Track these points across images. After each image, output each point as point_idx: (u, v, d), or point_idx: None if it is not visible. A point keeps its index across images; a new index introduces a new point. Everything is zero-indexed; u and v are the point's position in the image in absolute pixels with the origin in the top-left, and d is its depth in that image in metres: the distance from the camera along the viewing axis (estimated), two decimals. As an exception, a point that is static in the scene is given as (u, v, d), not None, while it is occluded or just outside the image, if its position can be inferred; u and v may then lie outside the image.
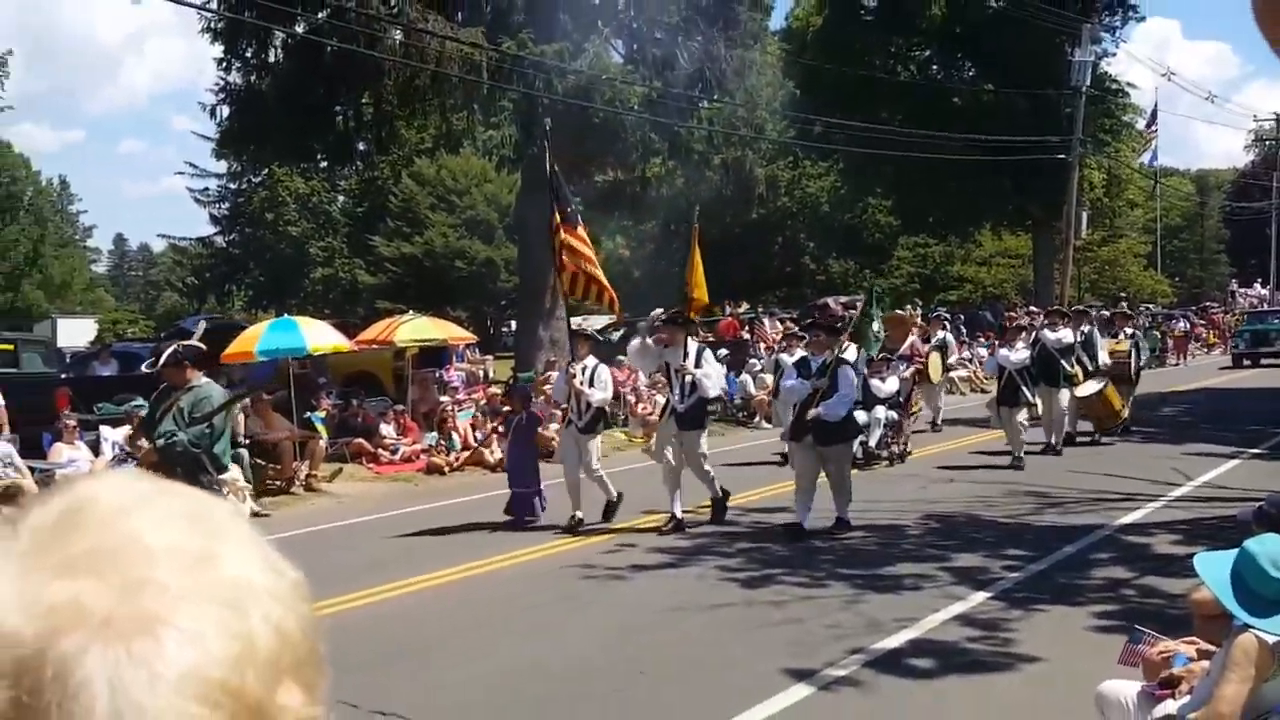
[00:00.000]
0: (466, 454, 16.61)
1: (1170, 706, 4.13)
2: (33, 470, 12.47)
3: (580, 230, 11.96)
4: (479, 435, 17.06)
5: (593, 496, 11.77)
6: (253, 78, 25.04)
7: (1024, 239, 47.42)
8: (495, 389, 19.02)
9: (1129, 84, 41.91)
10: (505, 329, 39.89)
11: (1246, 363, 33.91)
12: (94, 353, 22.50)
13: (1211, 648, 4.20)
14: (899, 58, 39.17)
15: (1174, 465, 14.54)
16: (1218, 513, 11.03)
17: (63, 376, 18.08)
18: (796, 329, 18.32)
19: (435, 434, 17.29)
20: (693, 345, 11.57)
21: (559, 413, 15.66)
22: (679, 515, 11.27)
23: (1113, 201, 48.13)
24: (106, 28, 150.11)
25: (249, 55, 24.82)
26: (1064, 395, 16.18)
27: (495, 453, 16.54)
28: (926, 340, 20.27)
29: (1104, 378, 16.73)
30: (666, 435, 11.54)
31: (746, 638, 7.52)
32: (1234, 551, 3.81)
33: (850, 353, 15.45)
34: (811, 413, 10.64)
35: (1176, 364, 36.69)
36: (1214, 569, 3.82)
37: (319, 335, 16.15)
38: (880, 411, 15.65)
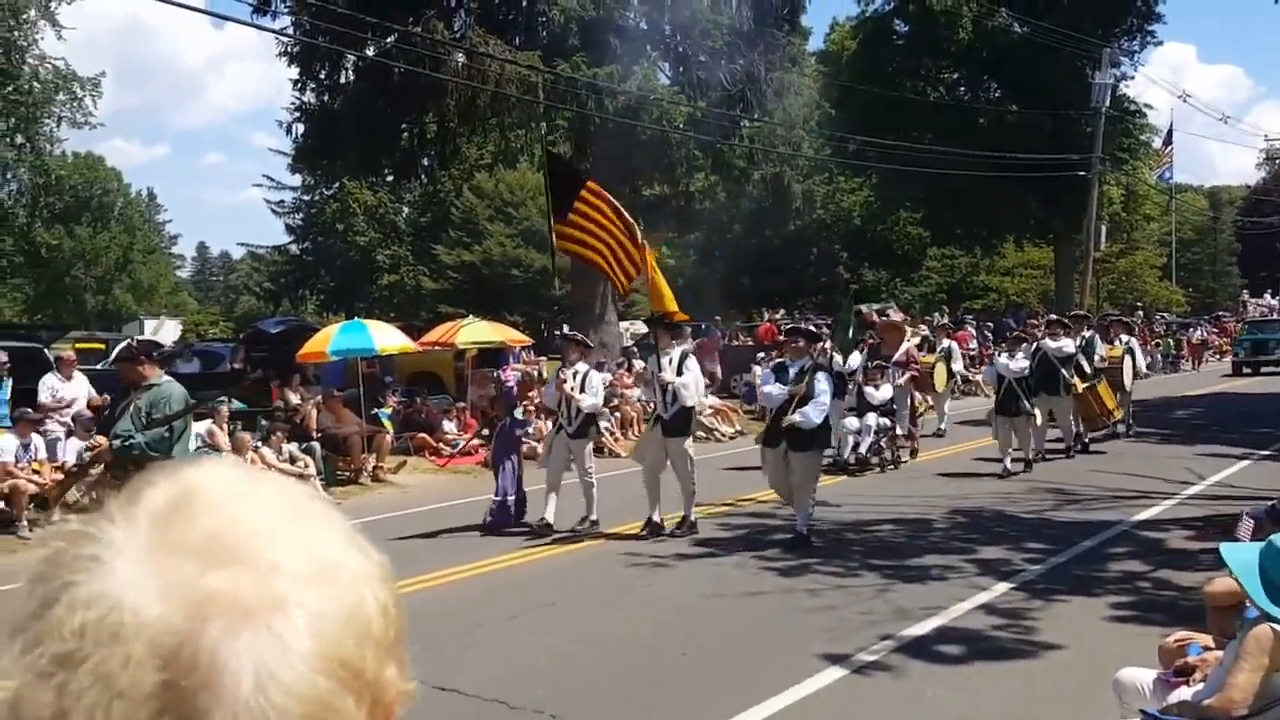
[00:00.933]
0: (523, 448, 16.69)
1: (1185, 693, 4.10)
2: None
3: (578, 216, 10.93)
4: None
5: (574, 502, 11.00)
6: (325, 98, 25.35)
7: (1046, 251, 46.95)
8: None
9: (1146, 105, 41.45)
10: (558, 332, 40.02)
11: (1246, 370, 33.38)
12: (177, 352, 22.82)
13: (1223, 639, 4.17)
14: (929, 80, 38.93)
15: (1187, 465, 14.35)
16: (1229, 510, 10.88)
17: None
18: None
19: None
20: (676, 351, 10.86)
21: (539, 421, 15.42)
22: (656, 519, 10.58)
23: (1130, 216, 47.58)
24: (192, 51, 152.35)
25: (322, 77, 25.14)
26: (1066, 403, 15.49)
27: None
28: (932, 349, 19.26)
29: (1096, 376, 16.15)
30: (651, 441, 10.85)
31: (782, 623, 7.52)
32: (1258, 545, 3.78)
33: (854, 360, 14.87)
34: (787, 419, 9.97)
35: (1192, 369, 36.40)
36: (1239, 558, 3.79)
37: (386, 337, 16.34)
38: (872, 418, 14.81)
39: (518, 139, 25.93)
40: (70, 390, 12.96)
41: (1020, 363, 14.33)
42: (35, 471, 11.48)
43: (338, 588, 0.62)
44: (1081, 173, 33.86)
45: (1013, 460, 14.10)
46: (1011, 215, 38.88)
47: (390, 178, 32.59)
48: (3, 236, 29.06)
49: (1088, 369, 15.95)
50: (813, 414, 9.90)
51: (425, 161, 29.34)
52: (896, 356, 16.04)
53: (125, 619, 0.57)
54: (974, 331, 30.84)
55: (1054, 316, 17.94)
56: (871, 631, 7.16)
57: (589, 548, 10.37)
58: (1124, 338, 18.28)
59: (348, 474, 14.68)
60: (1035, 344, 15.57)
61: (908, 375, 15.97)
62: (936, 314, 34.91)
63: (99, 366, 16.60)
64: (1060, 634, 7.03)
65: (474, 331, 18.60)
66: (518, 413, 12.56)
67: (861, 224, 48.96)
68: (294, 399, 15.57)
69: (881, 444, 14.93)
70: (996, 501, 12.27)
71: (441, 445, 16.70)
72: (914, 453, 15.87)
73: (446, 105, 23.36)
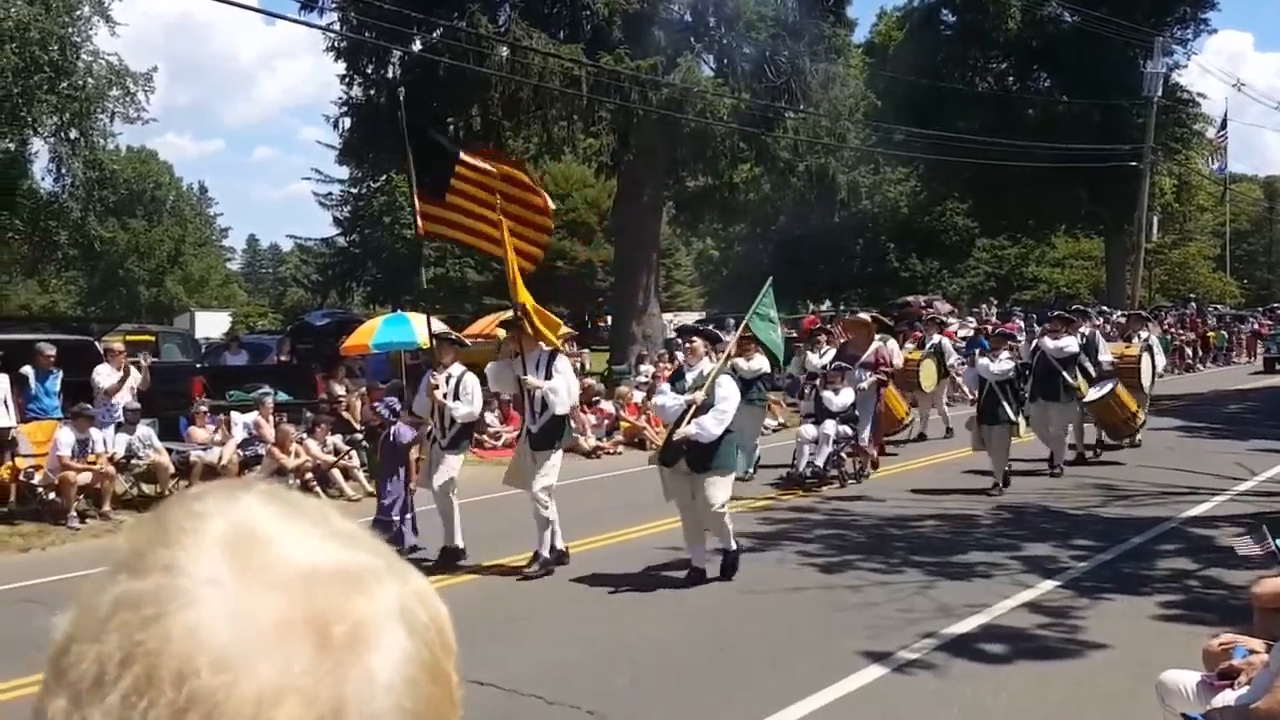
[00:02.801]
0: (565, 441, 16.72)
1: (1229, 697, 4.01)
2: (170, 451, 12.85)
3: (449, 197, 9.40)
4: (571, 423, 17.18)
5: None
6: (372, 92, 25.53)
7: (1096, 242, 46.38)
8: (590, 380, 19.07)
9: (1199, 94, 40.78)
10: (601, 324, 40.07)
11: (1278, 367, 32.74)
12: (226, 344, 23.14)
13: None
14: (977, 70, 38.55)
15: (1238, 460, 14.08)
16: (1285, 509, 10.66)
17: (198, 365, 18.60)
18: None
19: (535, 422, 17.42)
20: (544, 354, 9.26)
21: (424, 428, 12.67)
22: (560, 548, 9.27)
23: (1183, 206, 46.83)
24: (243, 47, 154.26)
25: (369, 72, 25.33)
26: (1066, 410, 13.98)
27: (589, 439, 16.66)
28: (920, 345, 17.76)
29: (1111, 379, 14.59)
30: (522, 457, 9.41)
31: (823, 619, 7.47)
32: None
33: (826, 357, 14.08)
34: (680, 432, 8.41)
35: (1246, 362, 35.82)
36: None
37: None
38: (831, 426, 13.08)
39: (561, 131, 25.95)
40: (118, 382, 13.13)
41: (1003, 365, 12.53)
42: (91, 464, 11.64)
43: (425, 598, 0.64)
44: (1133, 163, 33.40)
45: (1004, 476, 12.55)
46: (1061, 206, 38.48)
47: (436, 171, 32.73)
48: (58, 230, 29.56)
49: (1091, 371, 14.37)
50: (710, 426, 8.33)
51: (470, 155, 29.43)
52: (864, 357, 14.14)
53: (257, 651, 0.56)
54: (1022, 324, 30.45)
55: (1057, 313, 16.31)
56: (913, 629, 7.09)
57: (626, 542, 10.35)
58: (1143, 334, 16.66)
59: (391, 466, 14.78)
60: (1034, 343, 14.44)
61: (874, 379, 13.99)
62: (985, 305, 34.59)
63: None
64: (1106, 633, 6.93)
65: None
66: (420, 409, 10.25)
67: (908, 214, 48.58)
68: (338, 391, 15.71)
69: (842, 455, 13.28)
70: (1043, 497, 12.11)
71: (484, 437, 16.76)
72: (874, 464, 14.08)
73: (491, 99, 23.44)
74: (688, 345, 9.18)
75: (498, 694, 5.87)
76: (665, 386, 9.27)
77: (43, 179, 29.67)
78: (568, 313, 36.97)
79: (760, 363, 13.62)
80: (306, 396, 16.02)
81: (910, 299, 33.42)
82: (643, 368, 20.88)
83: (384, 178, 38.32)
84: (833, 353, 14.60)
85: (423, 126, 10.49)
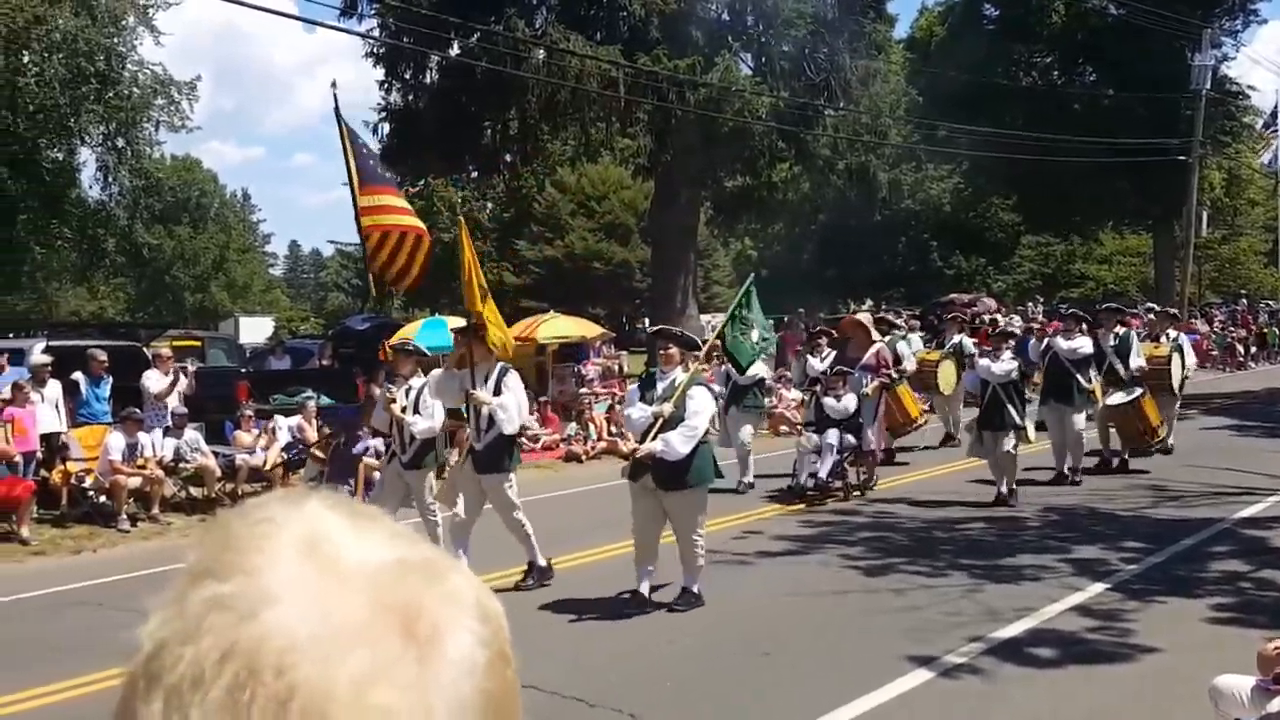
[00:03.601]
0: (603, 443, 16.77)
1: (1287, 703, 3.94)
2: (216, 455, 13.03)
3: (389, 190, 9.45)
4: (613, 427, 17.20)
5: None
6: (410, 97, 25.74)
7: (1145, 238, 45.76)
8: (630, 382, 19.07)
9: (1249, 86, 40.13)
10: (639, 325, 40.11)
11: None
12: (270, 349, 23.39)
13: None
14: (1020, 64, 38.16)
15: (1295, 460, 13.83)
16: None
17: (242, 370, 18.83)
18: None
19: (574, 424, 17.50)
20: (496, 368, 8.65)
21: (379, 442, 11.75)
22: (541, 564, 8.79)
23: (1233, 201, 46.11)
24: (284, 54, 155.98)
25: (407, 77, 25.53)
26: (1079, 417, 12.96)
27: (630, 442, 16.66)
28: (940, 346, 16.56)
29: (1140, 386, 13.42)
30: (462, 479, 8.91)
31: (867, 623, 7.43)
32: None
33: (761, 369, 12.90)
34: (644, 448, 7.70)
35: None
36: None
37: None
38: (833, 435, 12.28)
39: (598, 133, 26.02)
40: (166, 386, 13.32)
41: (1005, 364, 11.65)
42: (141, 468, 11.85)
43: (486, 592, 0.67)
44: (1181, 157, 32.91)
45: (1007, 486, 11.69)
46: (1108, 201, 38.03)
47: (474, 175, 32.96)
48: (106, 237, 30.03)
49: (1123, 374, 13.32)
50: (677, 443, 7.55)
51: (508, 158, 29.61)
52: (864, 360, 13.13)
53: (348, 640, 0.59)
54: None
55: (1070, 310, 15.51)
56: (959, 633, 7.03)
57: (665, 546, 10.33)
58: (1171, 333, 15.50)
59: (432, 469, 14.90)
60: (1045, 342, 13.60)
61: (877, 382, 13.02)
62: (1031, 303, 34.24)
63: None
64: (1157, 637, 6.83)
65: (555, 326, 18.77)
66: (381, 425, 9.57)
67: (951, 211, 48.20)
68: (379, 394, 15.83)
69: (845, 465, 12.49)
70: (1092, 499, 11.96)
71: (522, 440, 16.83)
72: (877, 464, 13.29)
73: (528, 102, 23.54)
74: (662, 351, 8.17)
75: (540, 696, 5.89)
76: (633, 393, 8.40)
77: (91, 187, 30.18)
78: (605, 314, 37.04)
79: (756, 368, 12.86)
80: (348, 400, 16.16)
81: (953, 297, 33.15)
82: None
83: (421, 182, 38.57)
84: (833, 356, 13.80)
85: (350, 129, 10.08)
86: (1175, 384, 14.53)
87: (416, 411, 8.93)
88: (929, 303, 34.78)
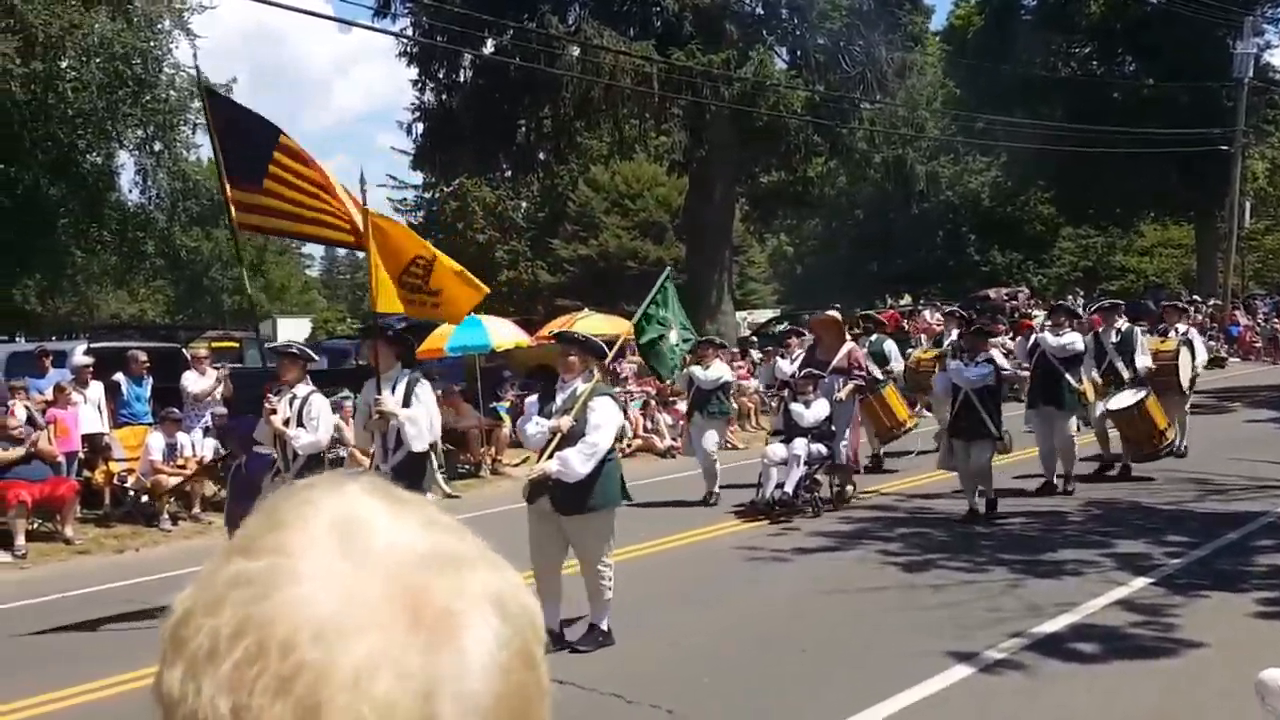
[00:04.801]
0: (638, 441, 16.81)
1: (1336, 697, 3.88)
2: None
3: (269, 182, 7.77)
4: (648, 423, 17.24)
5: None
6: (444, 96, 25.88)
7: (1186, 229, 45.20)
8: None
9: (1293, 74, 39.52)
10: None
11: None
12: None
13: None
14: (1059, 55, 37.81)
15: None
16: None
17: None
18: (716, 339, 14.63)
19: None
20: (404, 376, 7.76)
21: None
22: None
23: (1276, 190, 45.41)
24: (319, 55, 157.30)
25: (441, 76, 25.67)
26: (1070, 423, 11.94)
27: (665, 439, 16.74)
28: (938, 343, 14.86)
29: (1144, 387, 12.30)
30: None
31: (906, 619, 7.39)
32: None
33: (710, 373, 12.20)
34: (538, 468, 6.91)
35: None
36: None
37: (502, 332, 16.70)
38: (799, 446, 11.11)
39: (632, 129, 26.03)
40: (206, 387, 13.49)
41: (978, 369, 10.63)
42: (181, 468, 12.03)
43: (515, 589, 0.67)
44: (1223, 147, 32.49)
45: (979, 496, 10.74)
46: (1149, 192, 37.61)
47: (508, 174, 33.10)
48: (145, 240, 30.38)
49: (1125, 374, 12.34)
50: (576, 462, 6.72)
51: (542, 156, 29.70)
52: (835, 361, 12.04)
53: (357, 626, 0.60)
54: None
55: (1059, 303, 14.58)
56: (1000, 628, 6.99)
57: (702, 541, 10.36)
58: (1180, 327, 14.38)
59: (467, 467, 15.03)
60: (1032, 338, 12.50)
61: (851, 385, 11.95)
62: (1071, 296, 33.91)
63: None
64: (1201, 631, 6.76)
65: (590, 324, 18.74)
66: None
67: (990, 205, 47.80)
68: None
69: (817, 478, 11.48)
70: (1134, 493, 11.84)
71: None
72: (852, 480, 12.23)
73: (562, 100, 23.60)
74: (563, 359, 7.25)
75: (577, 693, 5.92)
76: (532, 405, 7.55)
77: (130, 191, 30.52)
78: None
79: (719, 370, 12.61)
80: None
81: (990, 292, 32.87)
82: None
83: (456, 182, 38.75)
84: (801, 358, 12.65)
85: (231, 102, 9.01)
86: (1184, 382, 13.44)
87: (301, 424, 7.94)
88: (966, 297, 34.52)
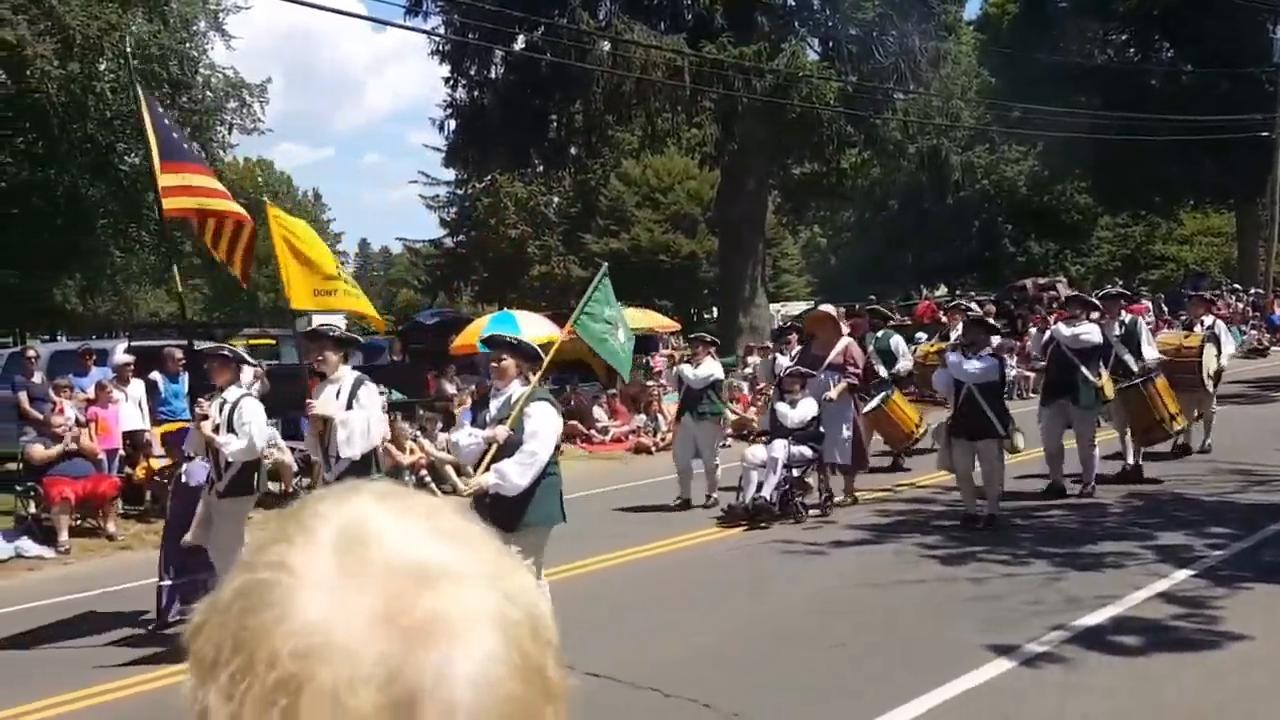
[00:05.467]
0: (671, 434, 16.80)
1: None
2: (293, 450, 13.27)
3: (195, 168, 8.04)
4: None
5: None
6: (475, 93, 25.98)
7: (1227, 217, 44.62)
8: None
9: (1336, 57, 38.83)
10: (707, 316, 40.07)
11: None
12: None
13: None
14: (1095, 42, 37.38)
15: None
16: None
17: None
18: (706, 336, 13.25)
19: (643, 416, 17.55)
20: (348, 376, 7.33)
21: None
22: None
23: (1320, 176, 44.65)
24: (353, 54, 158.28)
25: (472, 73, 25.76)
26: (1088, 416, 11.20)
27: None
28: (945, 338, 13.84)
29: (1147, 376, 11.66)
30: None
31: (945, 612, 7.34)
32: None
33: (693, 371, 11.89)
34: (473, 482, 6.43)
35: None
36: None
37: (534, 327, 16.74)
38: (779, 449, 10.55)
39: (664, 123, 26.02)
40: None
41: (979, 363, 10.04)
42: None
43: (519, 597, 0.66)
44: (1264, 133, 32.04)
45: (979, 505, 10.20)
46: (1188, 180, 37.19)
47: (540, 169, 33.19)
48: (183, 240, 30.73)
49: (1134, 367, 11.63)
50: (513, 473, 6.24)
51: (573, 151, 29.74)
52: (830, 358, 11.50)
53: (340, 642, 0.60)
54: (1150, 305, 29.40)
55: (1075, 294, 14.04)
56: (1040, 621, 6.92)
57: (739, 536, 10.33)
58: (1206, 320, 13.67)
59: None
60: (1047, 333, 11.86)
61: (844, 383, 11.38)
62: (1110, 286, 33.54)
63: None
64: (1246, 624, 6.66)
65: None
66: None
67: (1027, 194, 47.37)
68: (450, 389, 16.02)
69: (805, 480, 10.94)
70: (1176, 484, 11.69)
71: (592, 432, 16.93)
72: (852, 495, 11.61)
73: (593, 94, 23.62)
74: (494, 365, 6.69)
75: (614, 686, 5.92)
76: (465, 415, 6.72)
77: (166, 191, 30.95)
78: (672, 306, 37.03)
79: (710, 369, 12.14)
80: (419, 395, 16.37)
81: (1027, 282, 32.59)
82: (750, 359, 20.81)
83: (488, 179, 38.89)
84: (797, 356, 12.10)
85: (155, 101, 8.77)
86: (1208, 377, 12.82)
87: (230, 429, 7.43)
88: (1003, 287, 34.24)
